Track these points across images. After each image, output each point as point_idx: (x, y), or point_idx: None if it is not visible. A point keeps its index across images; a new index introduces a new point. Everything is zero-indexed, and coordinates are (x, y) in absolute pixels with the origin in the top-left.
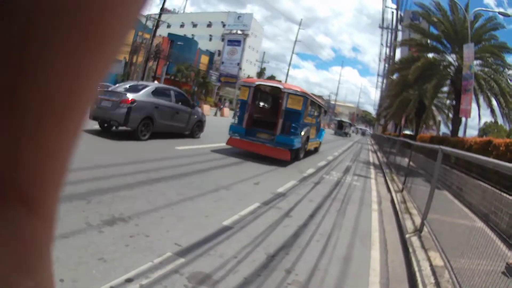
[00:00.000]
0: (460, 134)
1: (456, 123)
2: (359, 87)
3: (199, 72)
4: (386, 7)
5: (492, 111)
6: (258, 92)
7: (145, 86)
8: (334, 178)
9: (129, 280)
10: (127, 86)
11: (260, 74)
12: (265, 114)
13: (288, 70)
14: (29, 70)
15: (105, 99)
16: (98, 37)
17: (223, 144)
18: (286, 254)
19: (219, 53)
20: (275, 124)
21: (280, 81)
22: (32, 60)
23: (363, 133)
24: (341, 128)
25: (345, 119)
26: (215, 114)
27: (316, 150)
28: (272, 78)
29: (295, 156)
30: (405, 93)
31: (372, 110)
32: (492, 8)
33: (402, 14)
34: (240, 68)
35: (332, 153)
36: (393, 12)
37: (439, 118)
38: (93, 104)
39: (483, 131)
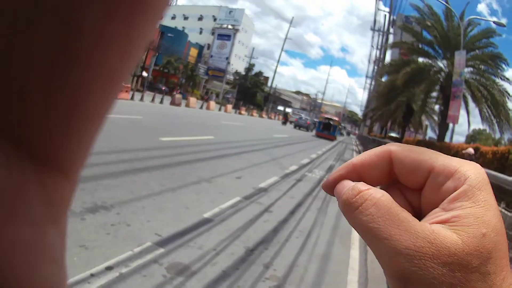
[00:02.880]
0: (447, 139)
1: (443, 128)
2: (346, 88)
3: (188, 65)
4: (378, 9)
5: (482, 119)
6: (325, 118)
7: (308, 118)
8: (317, 176)
9: (109, 268)
10: (302, 117)
11: (248, 70)
12: (326, 125)
13: (277, 67)
14: (82, 49)
15: (300, 120)
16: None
17: (205, 137)
18: (265, 249)
19: (209, 46)
20: (330, 128)
21: (331, 114)
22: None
23: (348, 133)
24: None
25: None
26: (201, 107)
27: (335, 138)
28: (259, 74)
29: (335, 138)
30: (393, 96)
31: (358, 110)
32: (485, 16)
33: (394, 18)
34: (228, 63)
35: (316, 151)
36: (385, 15)
37: (426, 122)
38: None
39: (471, 138)
